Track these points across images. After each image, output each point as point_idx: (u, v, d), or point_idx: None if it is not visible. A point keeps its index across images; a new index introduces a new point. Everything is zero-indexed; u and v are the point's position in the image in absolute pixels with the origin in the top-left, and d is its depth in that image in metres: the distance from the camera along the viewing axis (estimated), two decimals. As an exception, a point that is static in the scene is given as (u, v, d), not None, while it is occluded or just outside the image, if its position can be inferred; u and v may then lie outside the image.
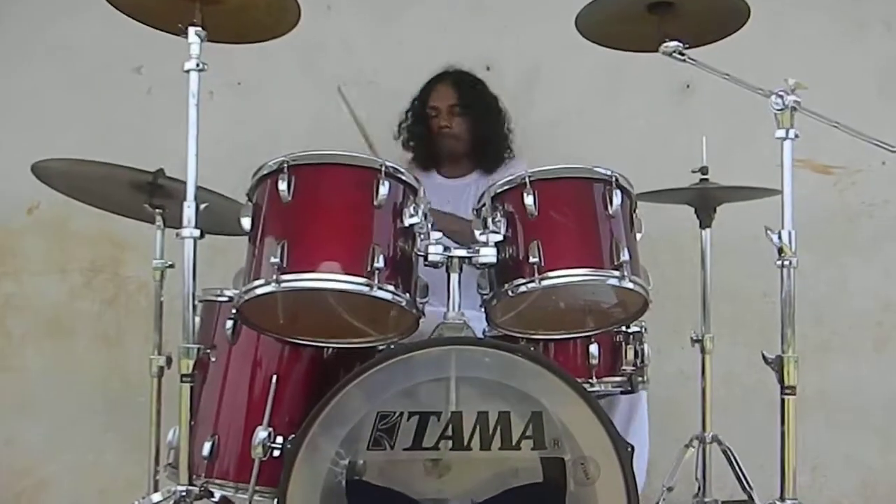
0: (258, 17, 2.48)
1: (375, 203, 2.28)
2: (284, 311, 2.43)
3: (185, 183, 2.29)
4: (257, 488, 2.33)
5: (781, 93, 2.26)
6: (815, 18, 3.98)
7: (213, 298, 2.60)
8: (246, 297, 2.27)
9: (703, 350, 3.03)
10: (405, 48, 3.95)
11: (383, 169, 2.31)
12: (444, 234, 2.41)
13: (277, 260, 2.19)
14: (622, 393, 2.71)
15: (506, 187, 2.46)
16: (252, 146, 3.65)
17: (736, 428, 3.14)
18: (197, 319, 2.34)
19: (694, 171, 3.00)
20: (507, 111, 3.57)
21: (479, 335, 2.57)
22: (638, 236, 2.45)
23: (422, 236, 2.38)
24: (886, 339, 3.94)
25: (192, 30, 2.31)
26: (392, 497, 2.23)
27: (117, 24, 2.52)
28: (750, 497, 2.89)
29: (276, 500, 2.18)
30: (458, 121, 3.42)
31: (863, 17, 4.00)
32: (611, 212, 2.38)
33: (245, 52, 2.68)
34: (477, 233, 2.42)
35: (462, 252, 2.40)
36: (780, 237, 2.26)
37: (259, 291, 2.24)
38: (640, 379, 2.69)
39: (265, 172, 2.35)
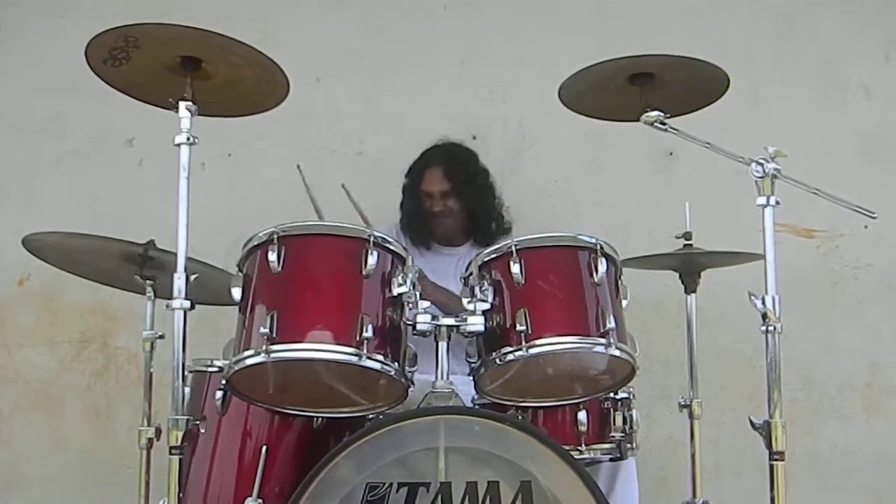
0: (248, 91, 2.52)
1: (364, 273, 2.30)
2: (274, 381, 2.43)
3: (175, 254, 2.30)
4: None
5: (762, 161, 2.29)
6: (794, 85, 4.04)
7: (203, 369, 2.60)
8: (236, 368, 2.28)
9: (691, 415, 3.01)
10: (392, 118, 4.00)
11: (371, 239, 2.34)
12: (432, 303, 2.44)
13: (267, 330, 2.20)
14: (611, 460, 2.69)
15: (493, 256, 2.49)
16: (242, 217, 3.66)
17: (727, 493, 3.13)
18: (186, 390, 2.33)
19: (678, 237, 3.01)
20: (495, 183, 3.59)
21: (469, 402, 2.57)
22: (624, 303, 2.47)
23: (410, 305, 2.40)
24: (876, 400, 3.93)
25: (182, 104, 2.34)
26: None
27: (109, 98, 2.55)
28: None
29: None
30: (452, 204, 3.42)
31: (842, 82, 4.06)
32: (596, 279, 2.40)
33: (236, 123, 2.71)
34: (465, 301, 2.44)
35: (450, 321, 2.43)
36: (763, 303, 2.28)
37: (249, 362, 2.25)
38: (629, 445, 2.68)
39: (255, 243, 2.38)
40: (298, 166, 3.37)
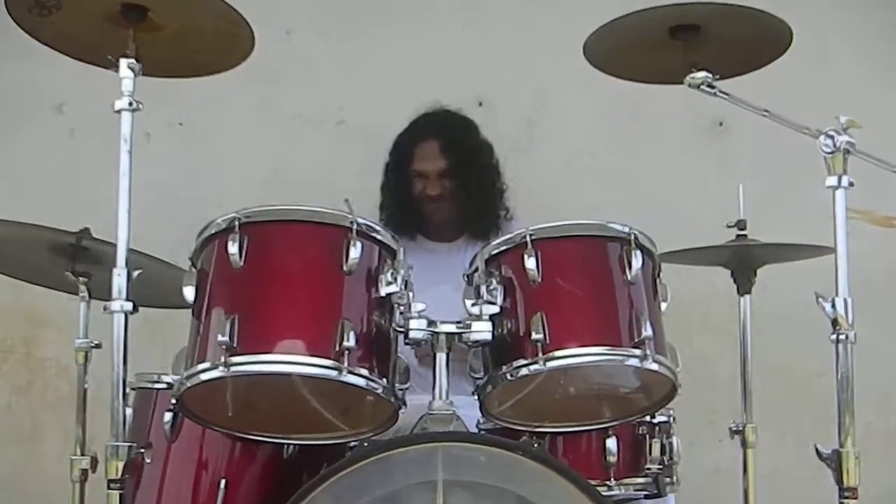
0: (204, 46, 2.51)
1: (345, 268, 2.28)
2: (235, 400, 2.42)
3: (114, 245, 2.29)
4: None
5: (832, 132, 2.27)
6: (869, 42, 4.03)
7: (149, 385, 2.60)
8: (188, 384, 2.26)
9: (744, 443, 3.02)
10: (380, 80, 3.99)
11: (355, 227, 2.32)
12: None
13: (226, 338, 2.18)
14: (646, 497, 2.69)
15: (503, 248, 2.47)
16: (196, 200, 3.67)
17: (785, 537, 3.13)
18: (129, 411, 2.33)
19: (730, 226, 3.01)
20: (500, 162, 3.55)
21: (472, 428, 2.56)
22: (663, 306, 2.46)
23: (401, 308, 2.38)
24: (969, 426, 3.95)
25: (123, 62, 2.32)
26: None
27: (34, 55, 2.53)
28: None
29: None
30: (448, 185, 3.39)
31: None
32: (629, 277, 2.38)
33: (188, 86, 2.71)
34: (468, 303, 2.42)
35: (450, 328, 2.41)
36: (833, 306, 2.27)
37: (204, 377, 2.23)
38: (668, 479, 2.68)
39: (212, 232, 2.36)
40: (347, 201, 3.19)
